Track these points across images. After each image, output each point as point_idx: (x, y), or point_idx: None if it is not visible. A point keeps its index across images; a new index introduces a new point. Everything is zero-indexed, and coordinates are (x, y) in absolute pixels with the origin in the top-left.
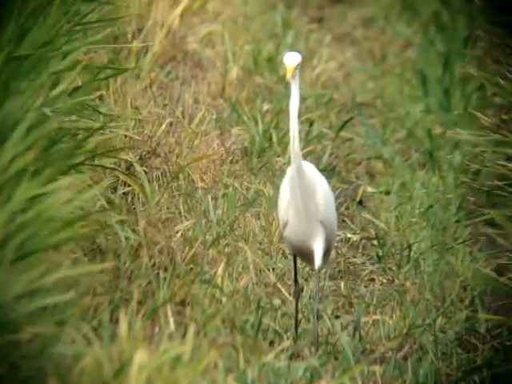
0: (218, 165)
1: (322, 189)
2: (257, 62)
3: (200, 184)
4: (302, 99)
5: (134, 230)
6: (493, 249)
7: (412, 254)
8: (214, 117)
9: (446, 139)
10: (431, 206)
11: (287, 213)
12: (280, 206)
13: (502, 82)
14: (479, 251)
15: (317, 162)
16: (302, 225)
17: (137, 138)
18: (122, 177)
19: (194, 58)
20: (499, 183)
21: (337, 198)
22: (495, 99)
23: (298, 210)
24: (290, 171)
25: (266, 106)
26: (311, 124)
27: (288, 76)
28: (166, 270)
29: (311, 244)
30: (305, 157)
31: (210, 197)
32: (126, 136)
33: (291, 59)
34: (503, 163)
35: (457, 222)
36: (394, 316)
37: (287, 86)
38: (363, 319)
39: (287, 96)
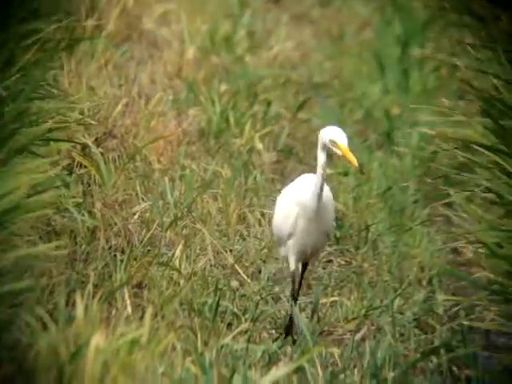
0: (175, 146)
1: (331, 204)
2: (214, 41)
3: (157, 165)
4: (259, 79)
5: (90, 212)
6: (450, 230)
7: (370, 235)
8: (171, 97)
9: (404, 120)
10: (389, 188)
11: (293, 226)
12: (282, 219)
13: (459, 63)
14: (437, 232)
15: (274, 143)
16: (311, 236)
17: (92, 122)
18: (77, 158)
19: (150, 38)
20: (457, 163)
21: (295, 179)
22: (452, 80)
23: (309, 224)
24: (299, 188)
25: (223, 87)
26: (268, 104)
27: (355, 162)
28: (122, 252)
29: (314, 251)
30: (262, 138)
31: (167, 178)
32: (81, 117)
33: (343, 136)
34: (461, 143)
35: (414, 202)
36: (352, 297)
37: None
38: (321, 301)
39: (244, 76)
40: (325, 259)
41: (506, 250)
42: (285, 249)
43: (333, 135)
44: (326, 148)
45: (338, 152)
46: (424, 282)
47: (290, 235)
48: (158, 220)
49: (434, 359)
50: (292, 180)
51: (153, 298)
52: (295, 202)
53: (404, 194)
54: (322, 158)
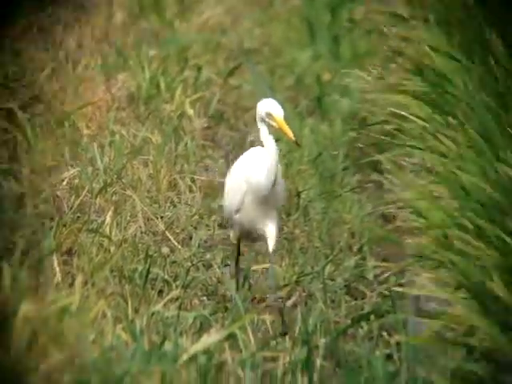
0: (104, 112)
1: (282, 180)
2: (142, 5)
3: (86, 131)
4: (189, 44)
5: (16, 179)
6: (381, 196)
7: (301, 201)
8: (99, 62)
9: (334, 86)
10: (320, 154)
11: (241, 201)
12: (231, 195)
13: (386, 29)
14: (367, 198)
15: (205, 109)
16: (258, 211)
17: (16, 86)
18: (2, 124)
19: (77, 1)
20: (387, 129)
21: (225, 145)
22: (382, 46)
23: (258, 201)
24: (247, 162)
25: (152, 52)
26: (199, 70)
27: (291, 135)
28: (51, 219)
29: (264, 228)
30: (193, 104)
31: (96, 144)
32: (5, 80)
33: (279, 109)
34: (391, 109)
35: (345, 169)
36: (284, 264)
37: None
38: (253, 268)
39: (174, 41)
40: None
41: (436, 216)
42: (231, 223)
43: (268, 108)
44: (263, 121)
45: (275, 125)
46: (355, 248)
47: (236, 211)
48: (87, 186)
49: (365, 325)
50: (236, 153)
51: (83, 265)
52: (247, 180)
53: (335, 160)
54: (263, 131)
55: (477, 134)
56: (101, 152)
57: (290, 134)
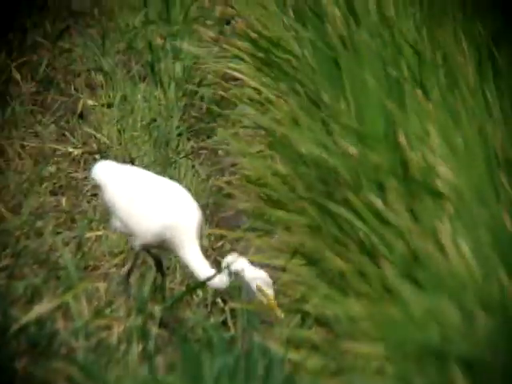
0: None
1: None
2: None
3: None
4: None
5: None
6: (216, 162)
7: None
8: None
9: (167, 51)
10: (154, 120)
11: None
12: None
13: None
14: (201, 165)
15: (33, 73)
16: None
17: None
18: None
19: None
20: (219, 96)
21: (56, 111)
22: (214, 11)
23: None
24: None
25: None
26: (24, 32)
27: (279, 313)
28: None
29: None
30: (19, 68)
31: None
32: None
33: (268, 284)
34: (225, 73)
35: (179, 135)
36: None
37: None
38: (86, 235)
39: None
40: (89, 193)
41: (271, 183)
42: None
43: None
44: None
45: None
46: None
47: None
48: None
49: (200, 292)
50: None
51: None
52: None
53: (168, 126)
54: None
55: (309, 102)
56: None
57: (279, 311)
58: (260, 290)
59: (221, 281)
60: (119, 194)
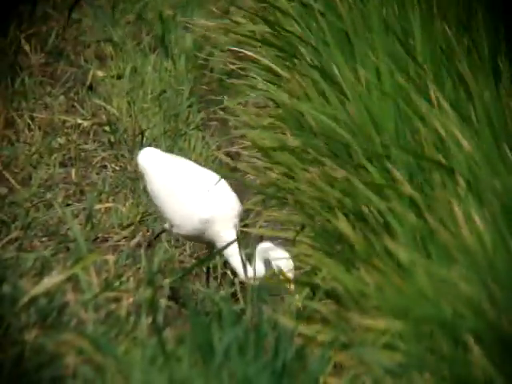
0: None
1: None
2: None
3: None
4: None
5: None
6: (225, 133)
7: (145, 140)
8: None
9: (177, 22)
10: (164, 91)
11: None
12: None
13: None
14: (211, 137)
15: (42, 44)
16: None
17: None
18: None
19: None
20: (230, 68)
21: (65, 82)
22: None
23: None
24: None
25: None
26: (33, 3)
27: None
28: None
29: None
30: (28, 39)
31: None
32: None
33: (288, 265)
34: (234, 48)
35: (189, 106)
36: (127, 203)
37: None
38: (95, 207)
39: None
40: (99, 164)
41: (280, 155)
42: None
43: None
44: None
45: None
46: None
47: None
48: None
49: (210, 265)
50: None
51: None
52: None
53: (178, 98)
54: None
55: (320, 76)
56: None
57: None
58: (282, 274)
59: (258, 271)
60: (160, 184)
